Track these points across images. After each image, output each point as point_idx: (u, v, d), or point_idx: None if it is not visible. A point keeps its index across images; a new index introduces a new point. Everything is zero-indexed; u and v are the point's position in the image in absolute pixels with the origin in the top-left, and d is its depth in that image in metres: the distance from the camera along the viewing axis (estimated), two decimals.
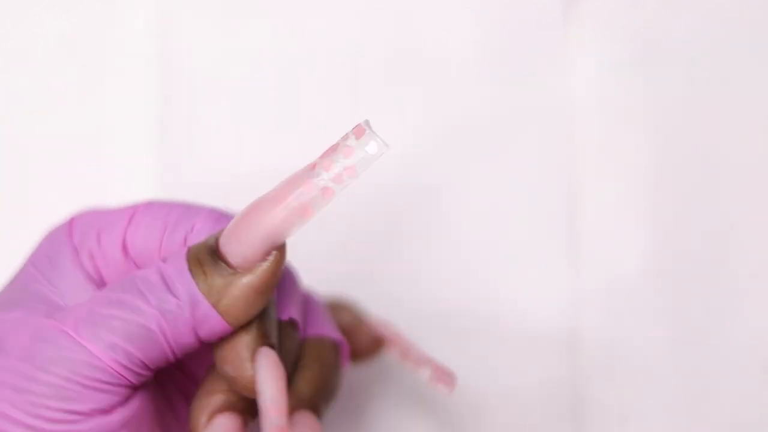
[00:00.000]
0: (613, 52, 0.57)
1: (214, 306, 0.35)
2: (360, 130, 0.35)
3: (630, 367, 0.56)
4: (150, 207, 0.39)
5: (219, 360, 0.37)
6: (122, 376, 0.35)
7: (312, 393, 0.39)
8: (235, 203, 0.57)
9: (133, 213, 0.39)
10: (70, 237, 0.39)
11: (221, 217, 0.39)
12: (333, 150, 0.36)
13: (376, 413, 0.55)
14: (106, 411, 0.35)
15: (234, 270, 0.36)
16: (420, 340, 0.53)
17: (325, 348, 0.41)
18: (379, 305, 0.54)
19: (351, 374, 0.54)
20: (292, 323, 0.39)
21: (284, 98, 0.57)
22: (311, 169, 0.35)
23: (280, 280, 0.38)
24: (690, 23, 0.57)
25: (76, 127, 0.57)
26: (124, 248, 0.38)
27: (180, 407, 0.41)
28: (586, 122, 0.57)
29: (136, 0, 0.57)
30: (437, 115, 0.57)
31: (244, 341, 0.36)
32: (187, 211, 0.38)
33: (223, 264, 0.36)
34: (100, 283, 0.39)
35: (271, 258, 0.36)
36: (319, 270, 0.52)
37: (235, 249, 0.35)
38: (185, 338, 0.36)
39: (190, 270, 0.36)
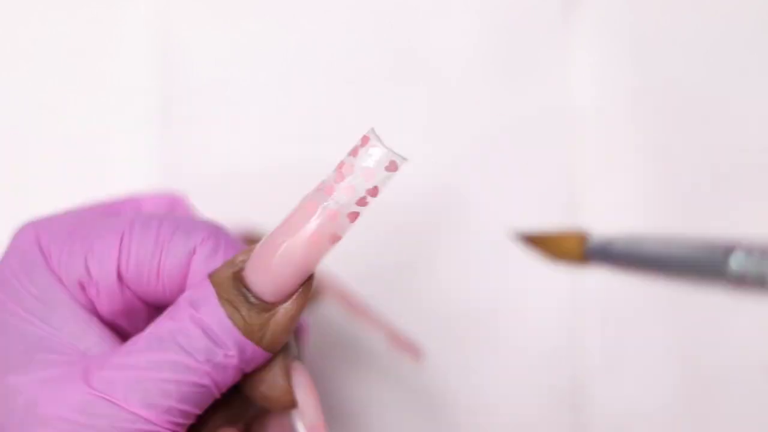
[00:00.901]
0: (613, 51, 0.57)
1: (259, 344, 0.35)
2: (374, 147, 0.34)
3: (630, 368, 0.56)
4: (135, 227, 0.37)
5: (254, 381, 0.36)
6: (176, 431, 0.35)
7: None
8: (234, 202, 0.57)
9: (121, 238, 0.37)
10: (50, 266, 0.37)
11: (218, 233, 0.37)
12: (350, 172, 0.35)
13: (375, 412, 0.55)
14: None
15: (266, 303, 0.35)
16: (420, 339, 0.53)
17: None
18: (378, 305, 0.53)
19: (351, 377, 0.54)
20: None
21: (285, 98, 0.57)
22: (328, 195, 0.35)
23: None
24: (690, 23, 0.57)
25: (75, 127, 0.57)
26: (119, 277, 0.37)
27: None
28: (586, 122, 0.57)
29: (136, 2, 0.57)
30: (438, 116, 0.57)
31: (278, 360, 0.36)
32: (178, 227, 0.37)
33: (255, 300, 0.35)
34: (94, 311, 0.37)
35: (303, 286, 0.35)
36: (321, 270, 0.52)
37: (267, 285, 0.35)
38: (233, 380, 0.36)
39: (230, 318, 0.35)
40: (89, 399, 0.34)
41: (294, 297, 0.35)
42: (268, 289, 0.35)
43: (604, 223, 0.57)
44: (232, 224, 0.58)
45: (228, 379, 0.35)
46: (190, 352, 0.34)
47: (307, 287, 0.35)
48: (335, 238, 0.35)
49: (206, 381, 0.34)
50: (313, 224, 0.34)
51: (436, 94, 0.57)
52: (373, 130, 0.34)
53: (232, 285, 0.35)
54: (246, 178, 0.57)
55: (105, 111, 0.57)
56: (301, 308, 0.35)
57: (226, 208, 0.57)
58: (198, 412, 0.35)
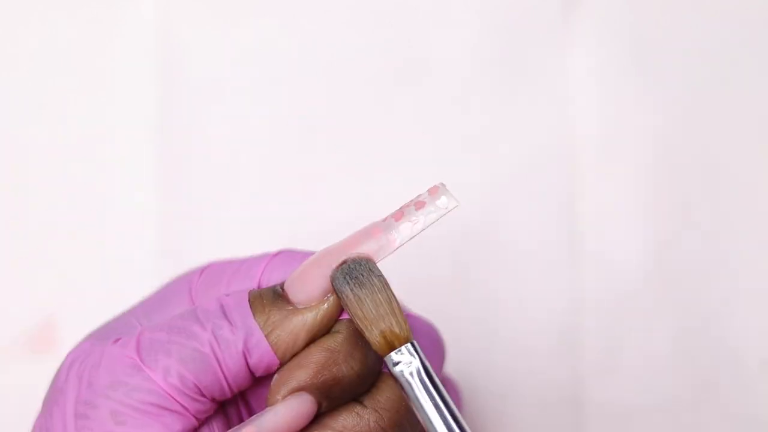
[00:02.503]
0: (613, 51, 0.57)
1: (267, 336, 0.36)
2: (434, 189, 0.37)
3: (630, 367, 0.56)
4: (284, 252, 0.39)
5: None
6: (175, 400, 0.36)
7: None
8: (234, 204, 0.57)
9: (270, 258, 0.39)
10: (190, 282, 0.40)
11: None
12: (406, 204, 0.38)
13: None
14: None
15: (292, 306, 0.37)
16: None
17: None
18: None
19: None
20: None
21: (285, 98, 0.57)
22: (382, 221, 0.37)
23: (431, 344, 0.40)
24: (690, 23, 0.57)
25: (75, 127, 0.57)
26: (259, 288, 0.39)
27: None
28: (586, 122, 0.57)
29: (136, 2, 0.57)
30: (436, 115, 0.57)
31: (297, 375, 0.36)
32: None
33: (284, 301, 0.37)
34: None
35: (331, 299, 0.37)
36: None
37: (297, 289, 0.37)
38: (236, 365, 0.36)
39: (250, 302, 0.37)
40: (117, 353, 0.36)
41: (318, 307, 0.37)
42: (297, 291, 0.37)
43: (604, 223, 0.57)
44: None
45: (231, 362, 0.36)
46: (200, 320, 0.36)
47: (335, 303, 0.37)
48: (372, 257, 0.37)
49: (206, 349, 0.35)
50: (353, 240, 0.37)
51: (435, 93, 0.57)
52: (443, 184, 0.37)
53: (270, 290, 0.37)
54: (246, 178, 0.57)
55: (105, 111, 0.57)
56: (322, 321, 0.37)
57: (226, 208, 0.57)
58: (199, 386, 0.36)
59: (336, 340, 0.37)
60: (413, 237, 0.37)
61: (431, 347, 0.40)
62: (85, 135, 0.57)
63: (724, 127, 0.57)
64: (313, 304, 0.37)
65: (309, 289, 0.37)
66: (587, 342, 0.56)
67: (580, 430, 0.56)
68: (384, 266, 0.39)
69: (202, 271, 0.40)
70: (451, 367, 0.46)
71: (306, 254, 0.39)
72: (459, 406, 0.41)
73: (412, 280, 0.56)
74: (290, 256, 0.39)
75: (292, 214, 0.57)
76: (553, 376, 0.56)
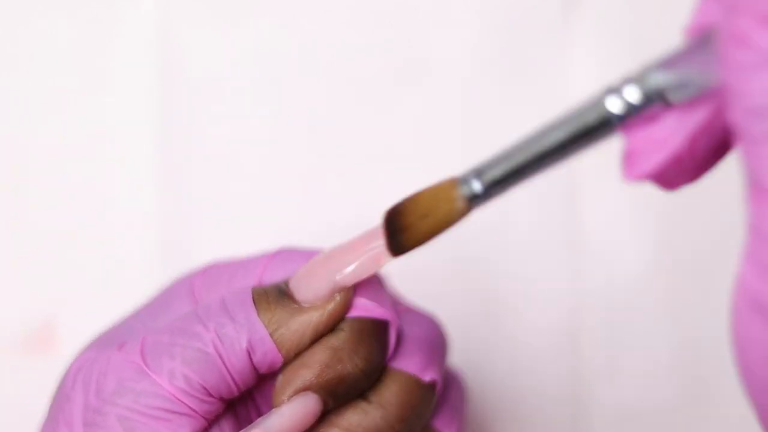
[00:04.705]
0: (613, 52, 0.57)
1: (271, 334, 0.36)
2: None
3: (630, 367, 0.56)
4: (284, 250, 0.39)
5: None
6: (183, 402, 0.35)
7: None
8: (234, 204, 0.57)
9: (270, 257, 0.39)
10: (192, 284, 0.40)
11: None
12: None
13: None
14: None
15: (297, 305, 0.37)
16: None
17: None
18: None
19: None
20: (432, 386, 0.38)
21: (285, 99, 0.57)
22: None
23: (433, 337, 0.39)
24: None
25: (75, 127, 0.57)
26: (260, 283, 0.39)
27: None
28: None
29: (136, 3, 0.57)
30: (436, 116, 0.57)
31: (302, 375, 0.36)
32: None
33: (289, 299, 0.37)
34: None
35: (337, 299, 0.37)
36: None
37: (304, 287, 0.37)
38: (241, 363, 0.36)
39: (254, 300, 0.36)
40: (122, 359, 0.36)
41: (324, 306, 0.36)
42: (303, 291, 0.36)
43: (604, 222, 0.57)
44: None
45: (236, 359, 0.36)
46: (203, 320, 0.36)
47: (342, 302, 0.37)
48: (378, 261, 0.37)
49: (210, 349, 0.35)
50: (360, 241, 0.37)
51: (435, 93, 0.57)
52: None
53: (274, 287, 0.37)
54: (246, 178, 0.57)
55: (105, 111, 0.57)
56: (328, 321, 0.36)
57: (226, 208, 0.57)
58: (206, 386, 0.36)
59: (339, 338, 0.36)
60: None
61: (433, 338, 0.40)
62: (85, 135, 0.57)
63: None
64: (319, 303, 0.37)
65: (316, 288, 0.36)
66: (587, 342, 0.56)
67: (580, 430, 0.56)
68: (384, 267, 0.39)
69: (203, 272, 0.40)
70: (449, 366, 0.46)
71: (305, 252, 0.39)
72: (463, 401, 0.41)
73: (412, 280, 0.56)
74: (290, 255, 0.39)
75: (292, 214, 0.57)
76: (553, 376, 0.56)
